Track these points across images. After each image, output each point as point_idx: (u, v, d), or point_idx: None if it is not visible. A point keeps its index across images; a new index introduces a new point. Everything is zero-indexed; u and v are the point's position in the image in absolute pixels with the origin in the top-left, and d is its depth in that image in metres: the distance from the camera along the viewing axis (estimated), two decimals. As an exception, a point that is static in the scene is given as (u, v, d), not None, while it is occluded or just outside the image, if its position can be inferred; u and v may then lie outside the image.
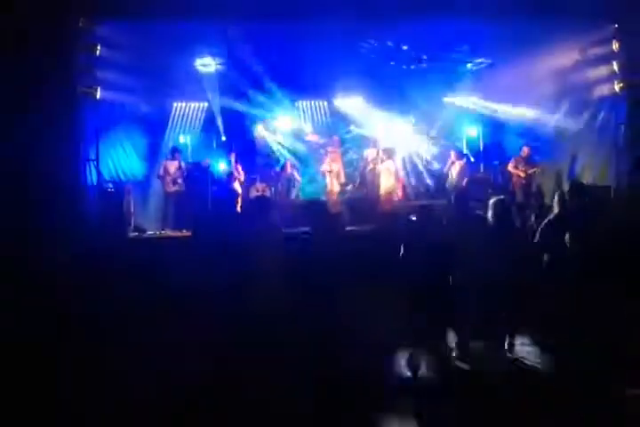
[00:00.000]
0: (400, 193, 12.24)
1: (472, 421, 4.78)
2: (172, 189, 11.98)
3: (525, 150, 11.99)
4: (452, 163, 12.21)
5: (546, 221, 6.33)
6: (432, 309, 5.97)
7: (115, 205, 10.92)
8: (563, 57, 11.89)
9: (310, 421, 4.79)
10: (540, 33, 10.75)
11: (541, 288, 5.94)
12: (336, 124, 13.89)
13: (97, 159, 10.95)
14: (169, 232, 11.69)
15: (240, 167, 12.45)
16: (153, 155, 13.05)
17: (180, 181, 12.08)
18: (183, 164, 12.22)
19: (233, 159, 12.41)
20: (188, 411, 4.97)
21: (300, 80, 13.12)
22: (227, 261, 5.60)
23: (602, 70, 11.68)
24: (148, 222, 12.44)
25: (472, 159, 13.13)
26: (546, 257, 6.06)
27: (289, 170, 12.47)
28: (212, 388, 5.28)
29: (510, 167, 12.05)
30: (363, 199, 12.73)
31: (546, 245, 6.00)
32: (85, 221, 10.23)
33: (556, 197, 6.42)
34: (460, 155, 12.47)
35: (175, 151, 12.28)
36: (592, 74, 11.82)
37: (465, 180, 12.00)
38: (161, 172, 12.03)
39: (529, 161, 11.97)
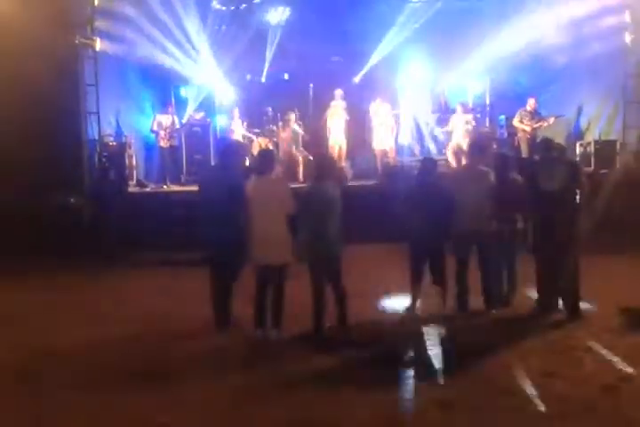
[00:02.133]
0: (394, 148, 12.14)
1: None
2: (167, 143, 11.82)
3: (531, 104, 11.76)
4: (458, 117, 12.01)
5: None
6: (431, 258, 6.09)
7: (115, 159, 10.85)
8: (574, 7, 11.56)
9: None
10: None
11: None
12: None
13: (98, 112, 10.84)
14: (172, 187, 11.67)
15: (244, 122, 12.31)
16: (155, 108, 12.88)
17: (175, 135, 11.90)
18: (177, 118, 12.04)
19: (236, 114, 12.25)
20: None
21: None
22: (235, 218, 5.60)
23: (613, 21, 11.37)
24: (152, 177, 12.44)
25: (477, 115, 12.92)
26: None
27: (291, 123, 12.23)
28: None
29: (515, 121, 11.86)
30: (364, 154, 12.66)
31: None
32: (85, 175, 10.24)
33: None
34: (467, 109, 12.27)
35: (168, 105, 12.09)
36: (603, 24, 11.51)
37: (474, 133, 11.86)
38: (154, 126, 11.80)
39: (535, 115, 11.76)
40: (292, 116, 12.19)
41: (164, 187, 11.65)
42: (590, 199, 5.93)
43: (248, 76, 13.72)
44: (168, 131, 11.76)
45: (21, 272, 8.23)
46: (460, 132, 11.85)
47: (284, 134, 12.15)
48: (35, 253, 8.63)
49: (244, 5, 13.15)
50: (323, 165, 5.97)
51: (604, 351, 5.00)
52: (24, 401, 4.41)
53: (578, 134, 12.30)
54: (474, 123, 12.14)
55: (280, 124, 12.57)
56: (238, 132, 12.13)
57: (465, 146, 11.62)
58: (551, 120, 11.69)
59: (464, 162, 11.48)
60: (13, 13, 9.37)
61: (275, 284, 5.62)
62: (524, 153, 11.52)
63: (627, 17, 11.15)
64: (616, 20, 11.34)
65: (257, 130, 12.74)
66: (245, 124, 12.45)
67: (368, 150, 12.35)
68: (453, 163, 11.58)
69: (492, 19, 12.46)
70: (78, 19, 10.59)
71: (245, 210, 5.61)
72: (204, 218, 5.93)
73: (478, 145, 6.72)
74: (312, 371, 4.84)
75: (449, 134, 12.19)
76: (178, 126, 12.03)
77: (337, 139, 11.90)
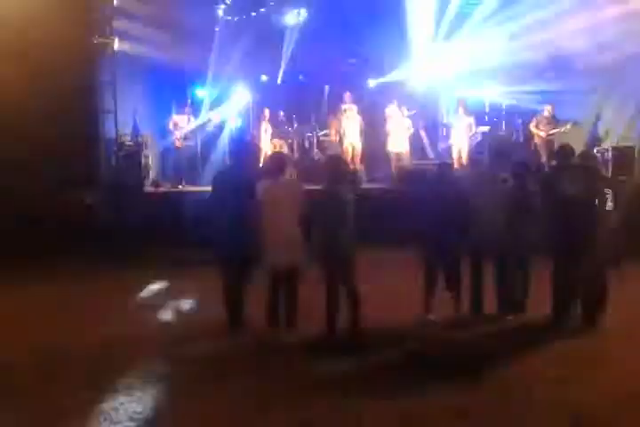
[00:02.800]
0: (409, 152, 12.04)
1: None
2: (183, 144, 11.90)
3: (549, 109, 11.64)
4: (460, 119, 11.86)
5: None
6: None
7: (132, 159, 10.90)
8: (593, 12, 11.46)
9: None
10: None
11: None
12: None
13: (115, 111, 10.89)
14: (187, 187, 11.69)
15: (268, 124, 12.26)
16: (171, 108, 12.90)
17: (190, 135, 11.97)
18: (193, 118, 12.09)
19: (267, 116, 12.20)
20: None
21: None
22: (248, 218, 5.58)
23: (631, 26, 11.24)
24: (167, 177, 12.47)
25: (494, 119, 12.82)
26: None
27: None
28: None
29: (532, 127, 11.75)
30: (379, 157, 12.57)
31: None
32: (101, 174, 10.29)
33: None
34: (468, 111, 12.06)
35: (184, 105, 12.14)
36: (621, 29, 11.39)
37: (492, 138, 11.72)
38: (170, 126, 11.92)
39: (551, 120, 11.65)
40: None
41: (179, 187, 11.69)
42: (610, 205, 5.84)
43: (263, 77, 13.73)
44: (184, 131, 11.84)
45: (36, 272, 8.27)
46: (459, 135, 11.72)
47: (299, 135, 11.97)
48: (49, 253, 8.66)
49: (253, 13, 13.22)
50: (336, 167, 5.94)
51: (621, 361, 4.92)
52: (38, 401, 4.41)
53: (595, 140, 12.14)
54: (474, 128, 11.98)
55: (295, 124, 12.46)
56: (267, 133, 12.06)
57: (463, 150, 11.65)
58: (566, 128, 11.52)
59: (465, 164, 11.46)
60: (33, 13, 9.44)
61: (288, 285, 5.60)
62: (544, 157, 11.42)
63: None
64: (635, 25, 11.21)
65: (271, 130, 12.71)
66: (271, 126, 12.35)
67: (383, 154, 12.29)
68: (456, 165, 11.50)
69: (511, 23, 12.40)
70: (97, 18, 10.66)
71: (258, 211, 5.59)
72: (217, 218, 5.91)
73: (497, 151, 6.67)
74: (323, 374, 4.81)
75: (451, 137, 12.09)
76: (194, 127, 12.08)
77: (351, 140, 11.84)
